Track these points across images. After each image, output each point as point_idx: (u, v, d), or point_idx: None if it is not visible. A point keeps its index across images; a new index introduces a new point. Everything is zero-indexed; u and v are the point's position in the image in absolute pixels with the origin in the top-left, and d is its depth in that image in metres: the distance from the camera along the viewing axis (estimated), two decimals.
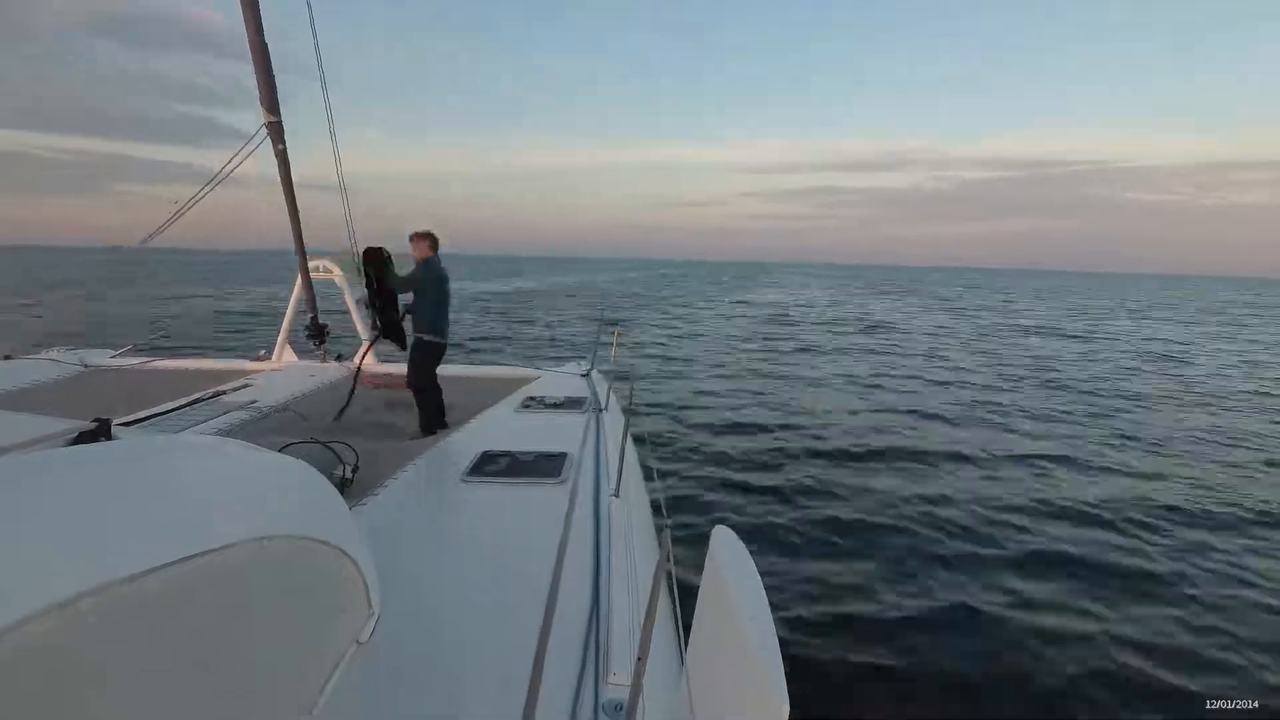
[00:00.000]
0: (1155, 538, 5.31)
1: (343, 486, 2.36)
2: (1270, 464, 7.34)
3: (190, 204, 4.56)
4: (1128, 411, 10.02)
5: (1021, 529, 5.42)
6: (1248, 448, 7.99)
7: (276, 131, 4.53)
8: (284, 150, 4.59)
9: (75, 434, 1.65)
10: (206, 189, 4.55)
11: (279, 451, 1.37)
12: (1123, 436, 8.50)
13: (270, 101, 4.43)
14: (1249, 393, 11.85)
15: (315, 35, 4.47)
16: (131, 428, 3.04)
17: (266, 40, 4.31)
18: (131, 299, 25.83)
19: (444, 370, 5.13)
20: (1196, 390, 11.94)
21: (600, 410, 3.74)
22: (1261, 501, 6.00)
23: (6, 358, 4.92)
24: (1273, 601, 4.22)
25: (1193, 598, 4.29)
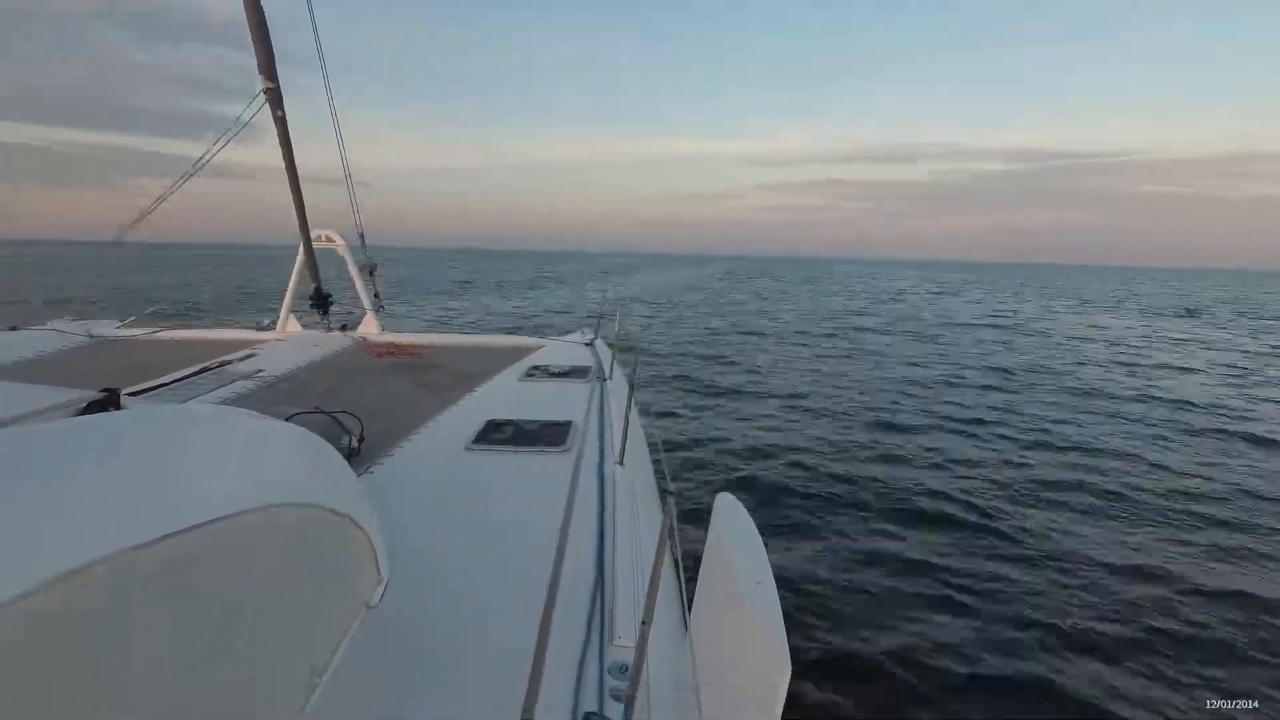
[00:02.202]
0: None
1: (349, 455, 2.38)
2: None
3: (185, 179, 4.52)
4: None
5: (1032, 514, 5.43)
6: None
7: (275, 98, 4.46)
8: (283, 117, 4.53)
9: (84, 404, 1.66)
10: (201, 162, 4.51)
11: (285, 421, 1.38)
12: None
13: (268, 67, 4.36)
14: None
15: (313, 16, 4.39)
16: (139, 397, 3.06)
17: (263, 4, 4.22)
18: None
19: (449, 339, 5.13)
20: None
21: (604, 379, 3.75)
22: None
23: (12, 328, 4.94)
24: None
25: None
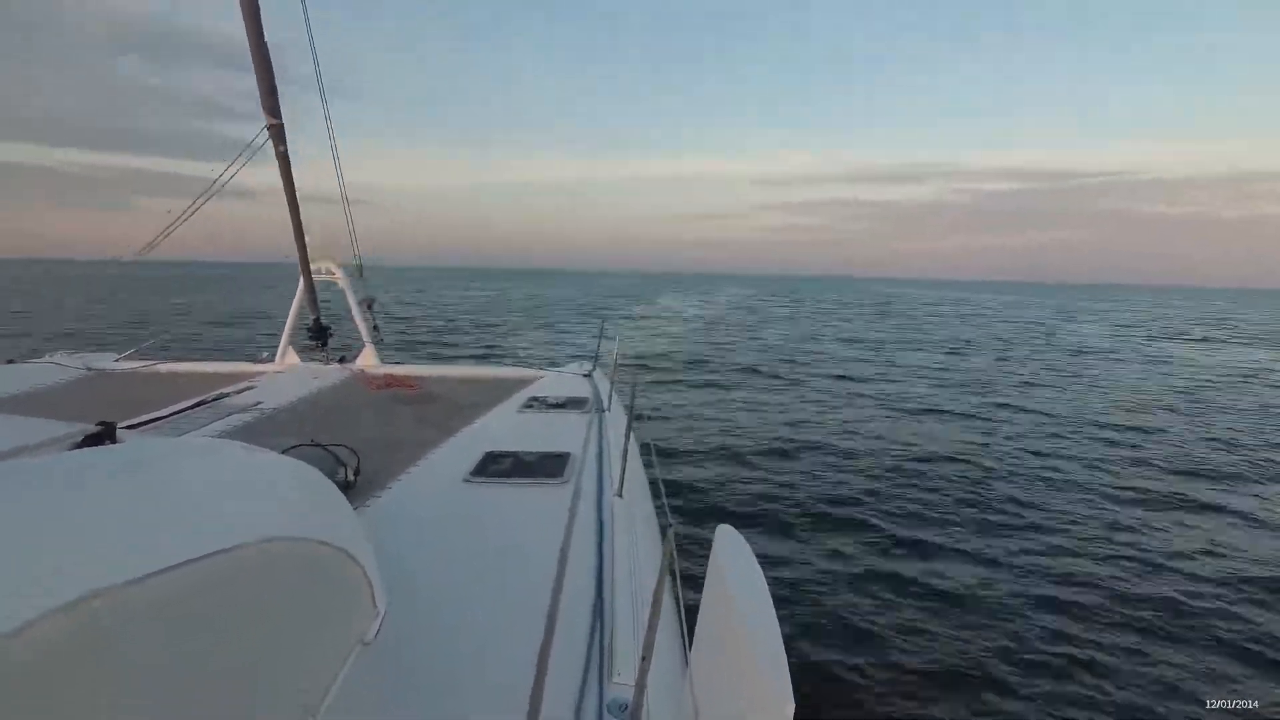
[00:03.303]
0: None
1: (345, 488, 2.37)
2: None
3: (192, 210, 4.57)
4: None
5: (1030, 525, 5.40)
6: None
7: (278, 134, 4.54)
8: (285, 153, 4.61)
9: (80, 437, 1.65)
10: (207, 195, 4.56)
11: (282, 454, 1.37)
12: None
13: (271, 105, 4.44)
14: None
15: (311, 39, 4.49)
16: (136, 431, 3.05)
17: (267, 43, 4.32)
18: None
19: (446, 371, 5.13)
20: None
21: (603, 410, 3.74)
22: None
23: (10, 361, 4.94)
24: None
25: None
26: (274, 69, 4.42)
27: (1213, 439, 8.69)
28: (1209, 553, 4.92)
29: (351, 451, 2.50)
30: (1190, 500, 6.16)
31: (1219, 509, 5.90)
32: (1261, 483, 6.78)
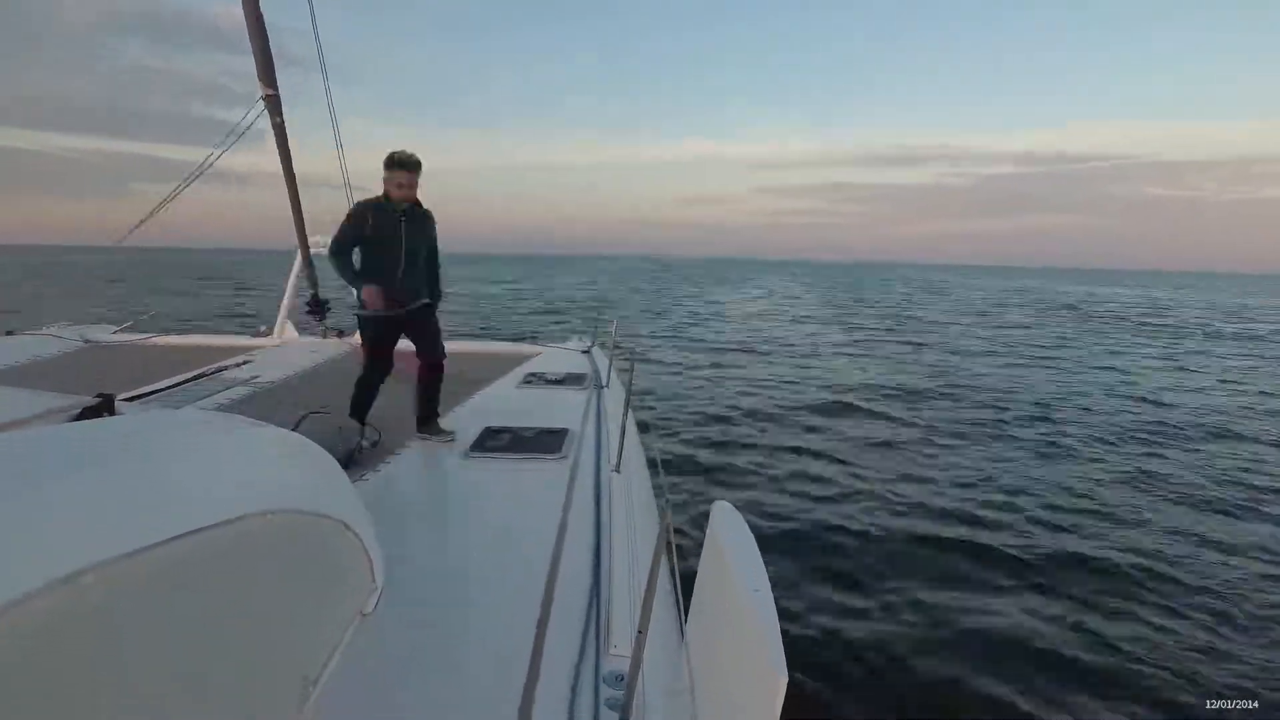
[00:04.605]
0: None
1: (348, 461, 2.38)
2: None
3: (180, 189, 4.53)
4: None
5: (1025, 517, 5.42)
6: None
7: (274, 105, 4.47)
8: (282, 124, 4.54)
9: (79, 409, 1.66)
10: (198, 172, 4.51)
11: (297, 423, 1.37)
12: None
13: (267, 75, 4.37)
14: None
15: (314, 18, 4.41)
16: (134, 403, 3.05)
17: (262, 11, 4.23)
18: None
19: (446, 345, 5.12)
20: None
21: (601, 387, 3.75)
22: None
23: (9, 333, 4.93)
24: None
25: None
26: (272, 48, 4.33)
27: None
28: None
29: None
30: None
31: None
32: None
